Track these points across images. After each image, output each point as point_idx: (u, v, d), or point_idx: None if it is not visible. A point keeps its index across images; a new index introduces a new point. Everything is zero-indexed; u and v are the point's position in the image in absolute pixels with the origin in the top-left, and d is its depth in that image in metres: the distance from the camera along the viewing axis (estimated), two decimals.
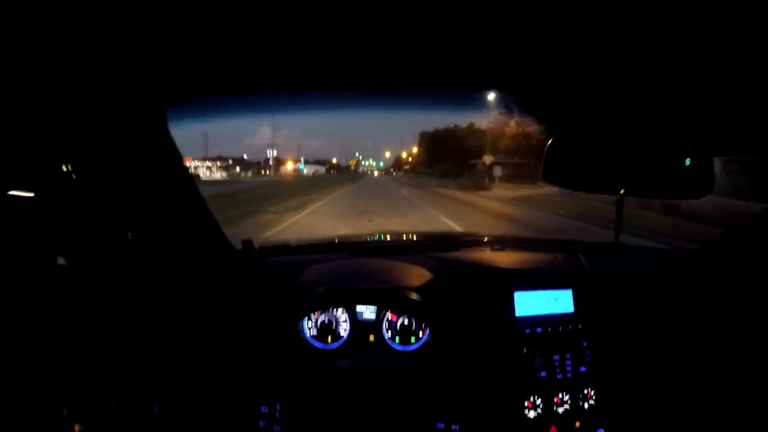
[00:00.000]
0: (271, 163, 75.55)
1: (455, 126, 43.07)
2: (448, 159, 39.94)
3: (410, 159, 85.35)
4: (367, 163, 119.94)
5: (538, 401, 1.11)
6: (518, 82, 1.00)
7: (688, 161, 1.01)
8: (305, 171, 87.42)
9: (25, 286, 0.83)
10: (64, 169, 0.83)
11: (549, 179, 1.11)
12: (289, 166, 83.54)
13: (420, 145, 60.86)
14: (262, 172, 69.93)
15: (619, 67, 0.83)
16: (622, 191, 1.08)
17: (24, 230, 0.82)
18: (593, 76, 0.91)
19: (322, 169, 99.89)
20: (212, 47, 0.72)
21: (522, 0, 0.61)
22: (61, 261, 0.87)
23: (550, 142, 1.09)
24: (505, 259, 1.36)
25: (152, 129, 0.88)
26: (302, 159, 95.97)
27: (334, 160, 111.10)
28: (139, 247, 0.97)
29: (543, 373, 1.13)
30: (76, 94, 0.73)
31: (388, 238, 1.80)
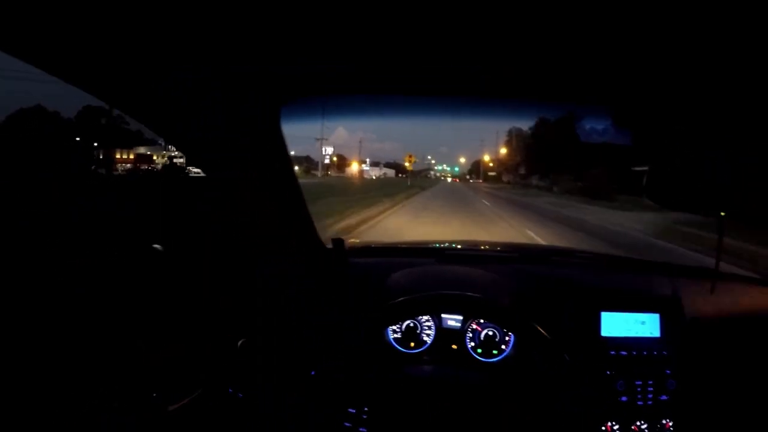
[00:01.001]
0: (326, 161, 65.74)
1: (571, 114, 27.89)
2: (567, 163, 25.31)
3: (492, 164, 70.92)
4: (440, 167, 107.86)
5: (616, 427, 1.08)
6: (618, 93, 0.93)
7: None
8: (372, 174, 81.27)
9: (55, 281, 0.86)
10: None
11: (651, 197, 1.08)
12: (354, 167, 77.63)
13: (511, 145, 46.07)
14: (319, 173, 61.94)
15: (730, 83, 0.79)
16: (722, 213, 1.04)
17: (28, 229, 0.88)
18: (699, 90, 0.86)
19: (391, 173, 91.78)
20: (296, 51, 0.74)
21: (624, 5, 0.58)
22: (157, 247, 0.95)
23: (653, 160, 1.07)
24: (594, 277, 1.34)
25: (268, 128, 0.91)
26: (368, 161, 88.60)
27: (407, 164, 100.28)
28: (242, 242, 1.07)
29: (624, 398, 1.09)
30: (192, 93, 0.77)
31: (475, 247, 1.73)
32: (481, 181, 73.90)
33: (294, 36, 0.67)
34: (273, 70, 0.80)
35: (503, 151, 47.62)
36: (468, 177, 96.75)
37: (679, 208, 1.08)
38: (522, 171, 40.09)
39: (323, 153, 65.53)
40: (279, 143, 0.95)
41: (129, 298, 0.95)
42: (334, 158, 75.31)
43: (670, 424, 1.09)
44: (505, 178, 51.23)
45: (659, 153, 1.07)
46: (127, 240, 0.97)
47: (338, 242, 1.21)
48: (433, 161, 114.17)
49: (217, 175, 0.94)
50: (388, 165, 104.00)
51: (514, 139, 40.46)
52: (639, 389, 1.10)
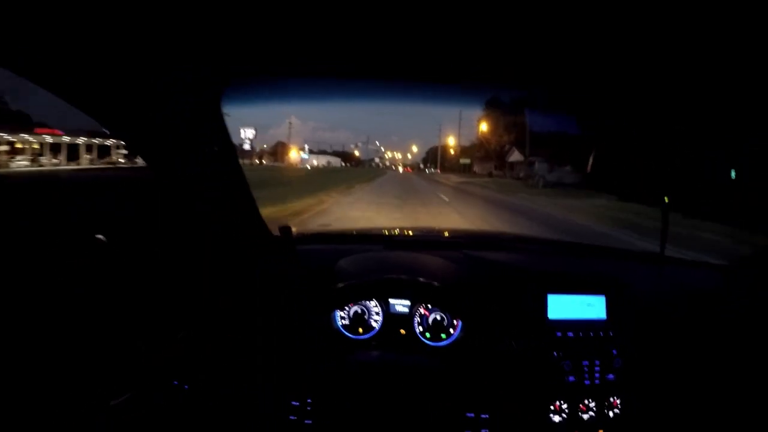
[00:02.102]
0: (247, 147, 50.06)
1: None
2: None
3: (454, 151, 58.33)
4: (390, 155, 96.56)
5: (564, 406, 1.10)
6: (562, 82, 0.96)
7: (733, 173, 1.01)
8: (315, 162, 72.29)
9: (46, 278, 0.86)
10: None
11: (595, 186, 1.05)
12: (293, 155, 69.22)
13: (493, 120, 32.34)
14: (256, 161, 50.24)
15: (673, 77, 0.84)
16: (666, 200, 1.08)
17: (28, 229, 0.85)
18: (643, 84, 0.90)
19: (336, 161, 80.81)
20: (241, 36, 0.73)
21: None
22: (100, 237, 0.92)
23: (595, 149, 1.09)
24: (541, 261, 1.36)
25: (208, 112, 0.90)
26: (306, 147, 76.60)
27: (357, 153, 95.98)
28: (185, 229, 1.04)
29: (571, 378, 1.11)
30: (132, 77, 0.75)
31: (423, 234, 1.75)
32: (438, 170, 61.22)
33: (231, 20, 0.66)
34: (213, 53, 0.76)
35: (483, 128, 33.59)
36: (423, 166, 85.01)
37: (622, 195, 1.05)
38: (514, 158, 27.11)
39: (242, 137, 49.78)
40: (219, 128, 0.92)
41: (72, 291, 0.91)
42: (264, 145, 61.80)
43: (618, 401, 1.11)
44: (480, 169, 38.13)
45: (604, 142, 1.06)
46: (69, 232, 0.92)
47: (286, 230, 1.19)
48: (382, 148, 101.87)
49: (157, 163, 0.91)
50: (336, 153, 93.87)
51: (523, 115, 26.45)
52: (586, 369, 1.11)
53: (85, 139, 27.00)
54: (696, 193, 1.07)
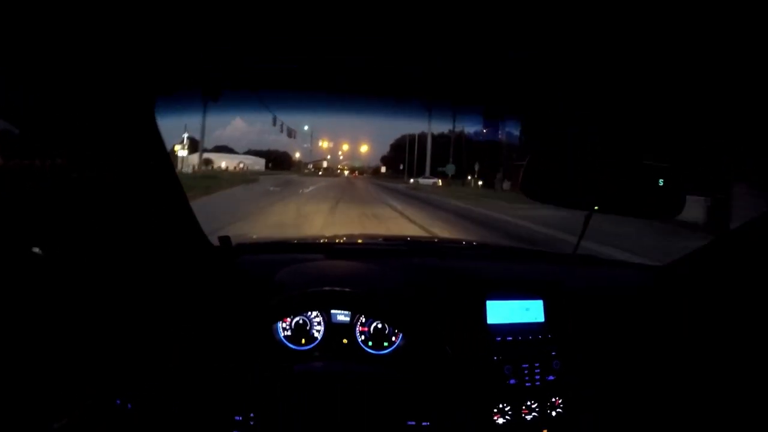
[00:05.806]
0: None
1: None
2: None
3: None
4: (326, 145, 77.71)
5: (507, 408, 1.13)
6: (504, 95, 0.97)
7: (661, 182, 1.06)
8: (223, 164, 58.29)
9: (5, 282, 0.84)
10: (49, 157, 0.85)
11: (527, 193, 1.14)
12: (179, 153, 44.52)
13: None
14: None
15: (602, 86, 0.85)
16: (595, 208, 1.11)
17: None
18: (576, 94, 0.91)
19: (254, 163, 65.16)
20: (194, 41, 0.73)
21: (513, 10, 0.62)
22: (36, 250, 0.88)
23: (529, 156, 1.13)
24: (480, 267, 1.38)
25: (140, 120, 0.90)
26: (185, 138, 53.62)
27: (297, 155, 79.48)
28: (115, 240, 1.01)
29: (512, 381, 1.14)
30: (65, 83, 0.74)
31: (365, 242, 1.76)
32: (439, 180, 37.23)
33: (170, 24, 0.64)
34: (147, 59, 0.74)
35: None
36: (387, 170, 61.85)
37: (555, 203, 1.11)
38: None
39: None
40: (153, 136, 0.92)
41: (102, 292, 0.92)
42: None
43: (560, 401, 1.14)
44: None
45: (535, 149, 1.08)
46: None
47: (225, 240, 1.19)
48: (319, 142, 77.34)
49: (85, 170, 0.91)
50: (270, 154, 75.73)
51: None
52: (526, 372, 1.14)
53: None
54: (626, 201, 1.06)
